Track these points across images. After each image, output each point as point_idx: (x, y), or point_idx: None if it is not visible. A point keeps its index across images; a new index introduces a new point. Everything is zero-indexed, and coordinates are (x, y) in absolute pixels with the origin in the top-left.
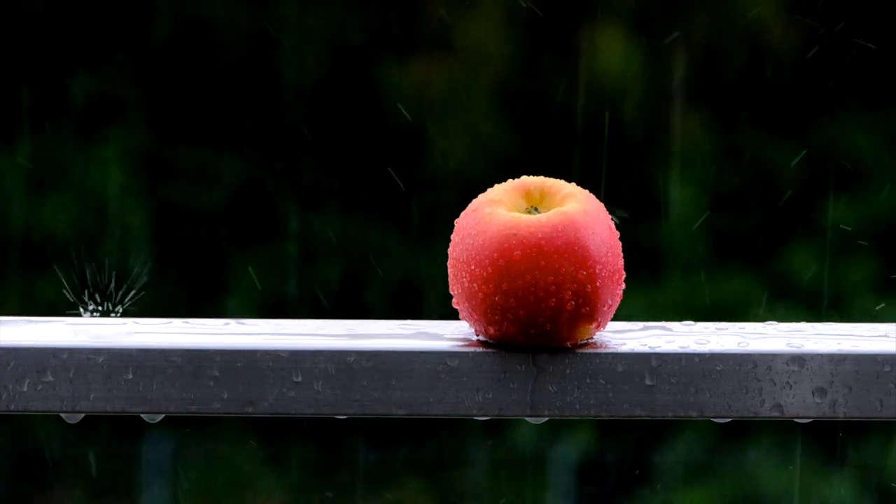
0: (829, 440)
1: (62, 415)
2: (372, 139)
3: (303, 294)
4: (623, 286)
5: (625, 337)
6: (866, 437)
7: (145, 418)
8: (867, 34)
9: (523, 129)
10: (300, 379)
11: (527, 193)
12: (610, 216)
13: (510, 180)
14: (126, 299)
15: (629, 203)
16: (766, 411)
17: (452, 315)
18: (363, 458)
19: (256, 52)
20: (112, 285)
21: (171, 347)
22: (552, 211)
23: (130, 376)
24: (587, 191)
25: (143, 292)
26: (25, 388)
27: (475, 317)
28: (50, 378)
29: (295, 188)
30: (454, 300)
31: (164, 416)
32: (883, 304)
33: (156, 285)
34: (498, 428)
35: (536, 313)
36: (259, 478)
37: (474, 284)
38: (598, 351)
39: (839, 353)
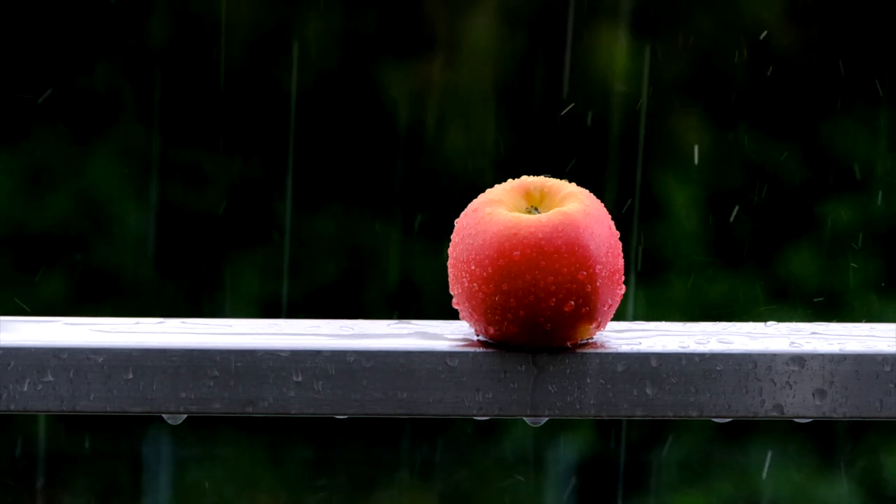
0: (828, 440)
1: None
2: (372, 138)
3: (302, 294)
4: (623, 286)
5: (625, 337)
6: (866, 438)
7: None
8: (867, 34)
9: (523, 129)
10: (300, 379)
11: (527, 193)
12: (610, 216)
13: (510, 180)
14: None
15: (629, 203)
16: (766, 411)
17: (452, 315)
18: (363, 458)
19: (256, 52)
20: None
21: (171, 347)
22: (552, 211)
23: (130, 376)
24: (587, 190)
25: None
26: (25, 388)
27: (475, 317)
28: (50, 378)
29: (295, 188)
30: (454, 300)
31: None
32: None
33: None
34: (497, 428)
35: (536, 313)
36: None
37: (474, 284)
38: (598, 351)
39: (839, 353)
